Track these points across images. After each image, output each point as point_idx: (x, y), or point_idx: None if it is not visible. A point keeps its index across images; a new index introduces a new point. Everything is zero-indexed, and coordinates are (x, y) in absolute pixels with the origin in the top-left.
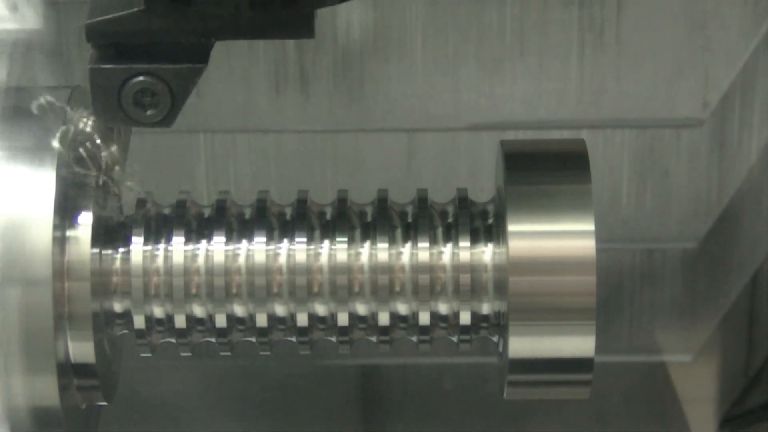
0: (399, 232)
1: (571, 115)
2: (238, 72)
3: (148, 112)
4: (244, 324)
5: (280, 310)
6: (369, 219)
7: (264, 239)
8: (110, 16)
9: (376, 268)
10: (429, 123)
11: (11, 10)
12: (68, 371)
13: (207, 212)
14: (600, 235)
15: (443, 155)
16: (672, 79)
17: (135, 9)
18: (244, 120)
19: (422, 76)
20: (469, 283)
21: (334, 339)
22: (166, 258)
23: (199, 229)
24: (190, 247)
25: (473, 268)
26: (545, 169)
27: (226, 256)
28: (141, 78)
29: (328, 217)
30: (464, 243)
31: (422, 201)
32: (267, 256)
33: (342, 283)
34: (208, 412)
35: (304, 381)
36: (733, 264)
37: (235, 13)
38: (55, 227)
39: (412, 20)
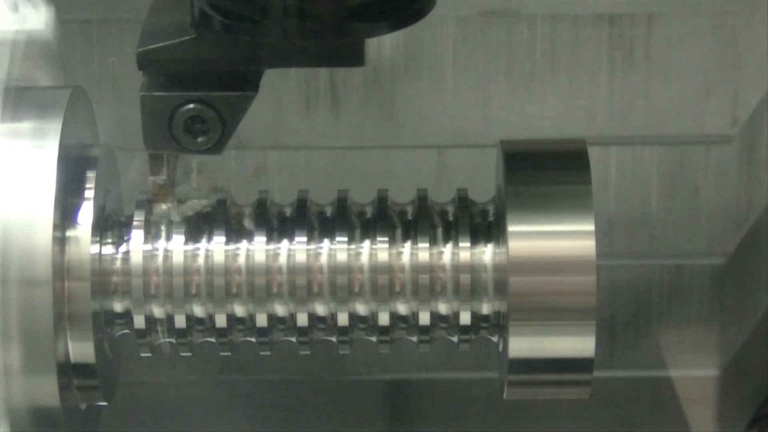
0: (399, 231)
1: (601, 131)
2: (269, 89)
3: (199, 140)
4: (244, 324)
5: (280, 310)
6: (369, 219)
7: (264, 239)
8: (161, 44)
9: (376, 268)
10: (459, 140)
11: (12, 11)
12: (68, 371)
13: (206, 212)
14: (629, 251)
15: (473, 172)
16: (701, 96)
17: (186, 37)
18: (275, 137)
19: (452, 93)
20: (469, 283)
21: (334, 339)
22: (166, 258)
23: (198, 228)
24: (190, 247)
25: (473, 268)
26: (545, 169)
27: (226, 256)
28: (191, 105)
29: (328, 216)
30: (464, 243)
31: (422, 201)
32: (267, 255)
33: (342, 283)
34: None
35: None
36: (762, 280)
37: (285, 42)
38: (55, 227)
39: (443, 38)
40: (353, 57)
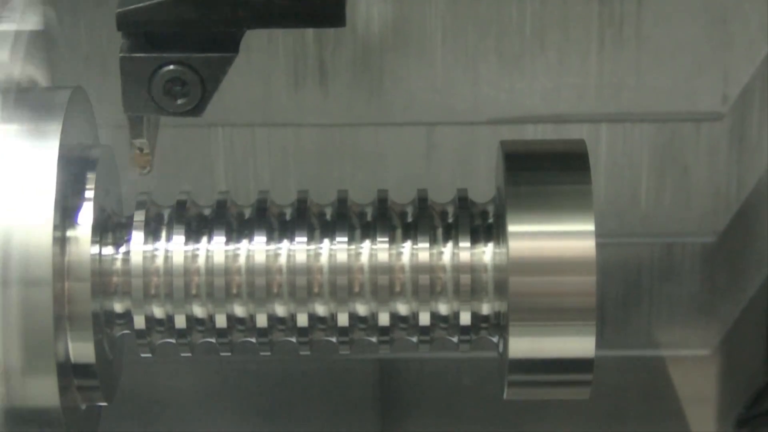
0: (399, 232)
1: (591, 109)
2: (258, 66)
3: (179, 102)
4: (244, 324)
5: (280, 310)
6: (369, 219)
7: (264, 239)
8: (141, 5)
9: (376, 269)
10: (448, 117)
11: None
12: (68, 371)
13: (207, 212)
14: (619, 230)
15: (463, 149)
16: (692, 74)
17: None
18: (264, 114)
19: (442, 70)
20: (469, 284)
21: (334, 339)
22: (166, 258)
23: (199, 229)
24: (190, 247)
25: (473, 269)
26: (545, 169)
27: (226, 256)
28: (171, 67)
29: (328, 217)
30: (464, 243)
31: (422, 201)
32: (267, 256)
33: (342, 284)
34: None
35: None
36: (752, 258)
37: (266, 2)
38: (55, 227)
39: (432, 15)
40: (333, 17)
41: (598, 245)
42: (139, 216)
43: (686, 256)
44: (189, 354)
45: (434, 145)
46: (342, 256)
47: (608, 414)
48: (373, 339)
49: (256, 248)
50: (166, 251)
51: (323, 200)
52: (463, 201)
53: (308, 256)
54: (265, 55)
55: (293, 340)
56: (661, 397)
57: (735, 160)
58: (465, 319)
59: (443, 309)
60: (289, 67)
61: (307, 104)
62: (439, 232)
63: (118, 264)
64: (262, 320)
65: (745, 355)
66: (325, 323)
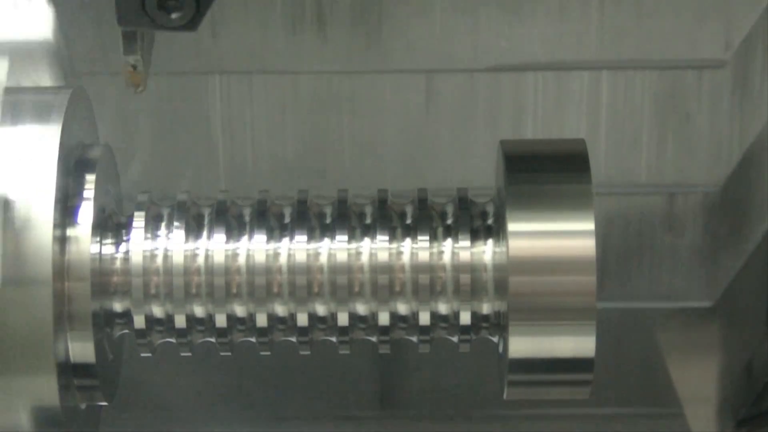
0: (399, 232)
1: (592, 56)
2: (254, 12)
3: (173, 16)
4: (244, 324)
5: (280, 310)
6: (369, 219)
7: (264, 239)
8: None
9: (376, 268)
10: (448, 64)
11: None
12: (68, 371)
13: (207, 212)
14: (621, 180)
15: (462, 97)
16: (694, 20)
17: None
18: (261, 61)
19: (441, 17)
20: (469, 283)
21: (334, 339)
22: (166, 258)
23: (198, 228)
24: (190, 246)
25: (473, 268)
26: (545, 170)
27: (226, 256)
28: None
29: (328, 217)
30: (464, 243)
31: (422, 201)
32: (267, 256)
33: (342, 283)
34: None
35: None
36: (755, 208)
37: None
38: (55, 227)
39: None
40: None
41: (600, 196)
42: (139, 216)
43: (688, 206)
44: (189, 354)
45: (433, 92)
46: (342, 256)
47: (608, 368)
48: (373, 339)
49: (256, 248)
50: (166, 251)
51: (321, 151)
52: (463, 201)
53: (308, 255)
54: (262, 0)
55: (293, 339)
56: (662, 349)
57: (737, 108)
58: (465, 318)
59: (443, 309)
60: (287, 14)
61: (305, 51)
62: (439, 231)
63: (118, 264)
64: (262, 320)
65: (747, 307)
66: (325, 323)
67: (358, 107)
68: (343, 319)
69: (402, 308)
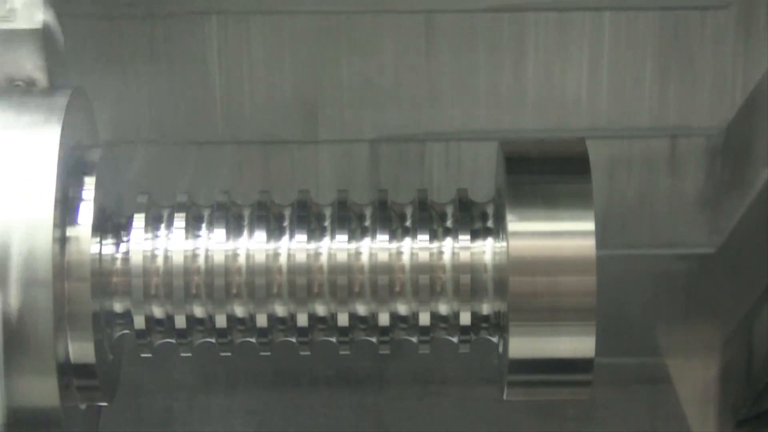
0: (399, 232)
1: None
2: None
3: None
4: (244, 324)
5: (280, 310)
6: (369, 219)
7: (264, 239)
8: None
9: (376, 269)
10: (447, 4)
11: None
12: (68, 371)
13: (206, 212)
14: (622, 123)
15: (462, 37)
16: None
17: None
18: (258, 1)
19: None
20: (469, 284)
21: (334, 339)
22: (166, 258)
23: (198, 229)
24: (190, 247)
25: (473, 269)
26: (545, 170)
27: (226, 256)
28: None
29: (328, 217)
30: (464, 243)
31: (422, 202)
32: (267, 256)
33: (342, 284)
34: None
35: None
36: (759, 153)
37: None
38: (56, 227)
39: None
40: None
41: (602, 140)
42: (139, 216)
43: (691, 150)
44: (189, 354)
45: (432, 32)
46: (342, 256)
47: (610, 316)
48: (373, 339)
49: (256, 248)
50: (166, 251)
51: (318, 92)
52: (463, 201)
53: (308, 255)
54: None
55: (293, 340)
56: (663, 297)
57: (741, 50)
58: (465, 319)
59: (443, 309)
60: None
61: None
62: (439, 232)
63: (118, 264)
64: (262, 320)
65: (749, 253)
66: (325, 323)
67: (357, 47)
68: (343, 319)
69: (402, 309)
